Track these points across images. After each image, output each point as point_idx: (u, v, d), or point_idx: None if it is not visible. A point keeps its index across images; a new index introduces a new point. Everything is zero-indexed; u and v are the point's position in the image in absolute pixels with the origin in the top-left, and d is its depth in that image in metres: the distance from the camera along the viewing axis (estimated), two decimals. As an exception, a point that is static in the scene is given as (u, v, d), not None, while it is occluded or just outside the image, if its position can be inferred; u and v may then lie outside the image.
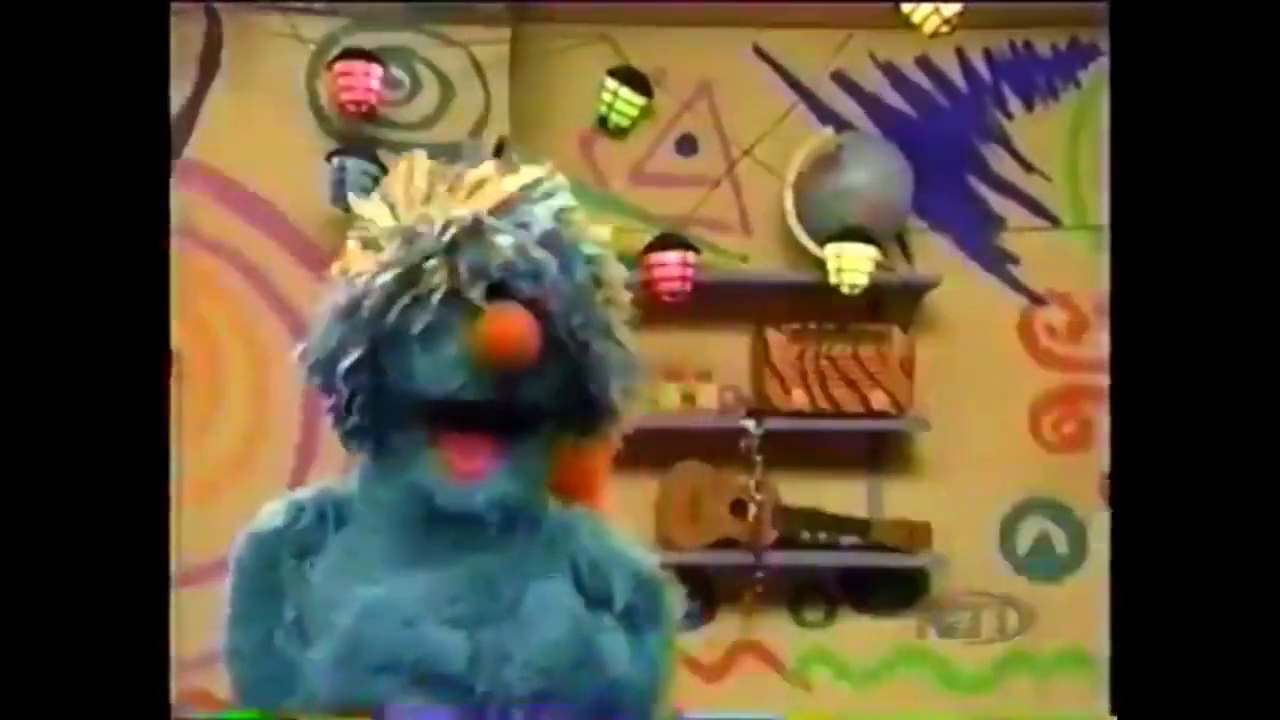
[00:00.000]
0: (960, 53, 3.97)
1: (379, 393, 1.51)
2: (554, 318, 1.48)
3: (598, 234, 1.58)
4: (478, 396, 1.48)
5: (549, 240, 1.50)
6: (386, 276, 1.47)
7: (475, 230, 1.48)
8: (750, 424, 3.70)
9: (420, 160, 1.57)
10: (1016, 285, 3.96)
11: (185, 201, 3.54)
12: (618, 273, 1.58)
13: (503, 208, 1.51)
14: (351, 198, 1.64)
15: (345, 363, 1.49)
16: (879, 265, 3.70)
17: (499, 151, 3.40)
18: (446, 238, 1.47)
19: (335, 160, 3.60)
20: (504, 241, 1.48)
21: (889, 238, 3.83)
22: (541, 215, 1.52)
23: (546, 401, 1.53)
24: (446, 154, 1.62)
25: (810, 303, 3.78)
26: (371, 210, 1.56)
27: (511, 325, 1.44)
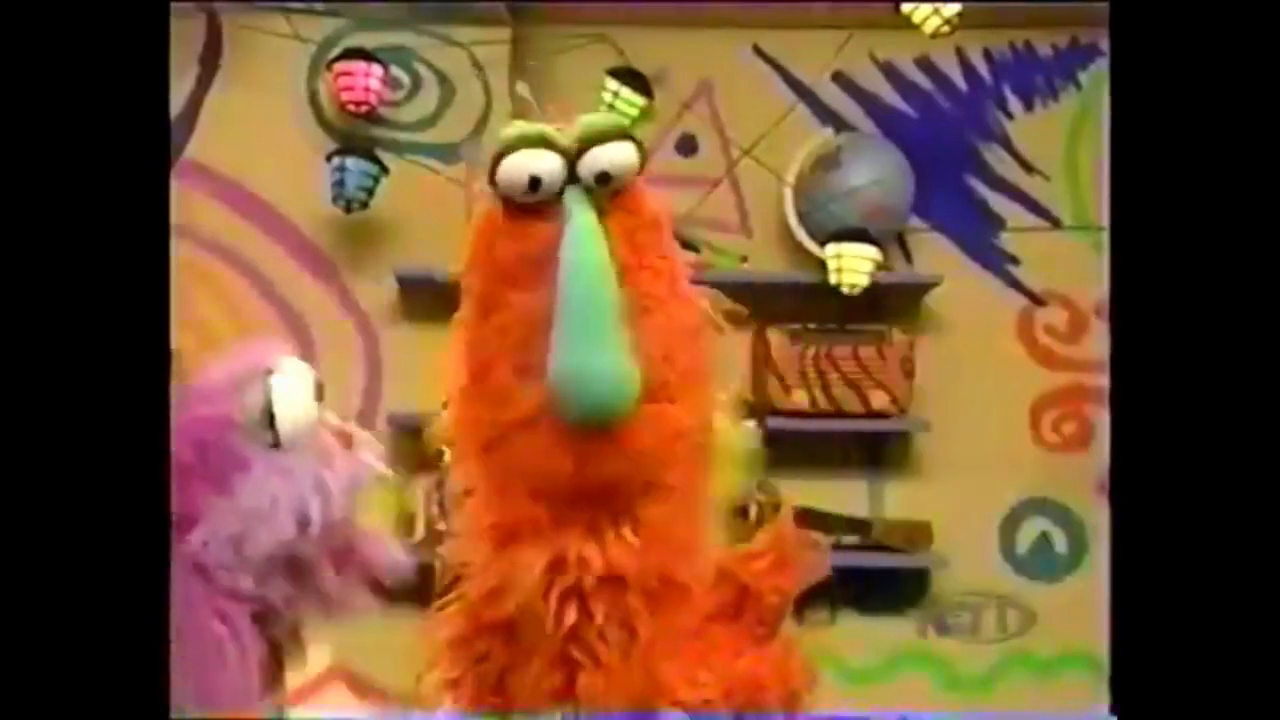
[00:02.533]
0: (960, 53, 3.97)
1: None
2: None
3: None
4: None
5: None
6: None
7: None
8: (750, 424, 3.69)
9: None
10: (1016, 285, 3.96)
11: (185, 201, 3.54)
12: None
13: None
14: None
15: None
16: (879, 265, 3.70)
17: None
18: None
19: (335, 160, 3.61)
20: None
21: (889, 238, 3.83)
22: None
23: None
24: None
25: (810, 303, 3.78)
26: None
27: None
